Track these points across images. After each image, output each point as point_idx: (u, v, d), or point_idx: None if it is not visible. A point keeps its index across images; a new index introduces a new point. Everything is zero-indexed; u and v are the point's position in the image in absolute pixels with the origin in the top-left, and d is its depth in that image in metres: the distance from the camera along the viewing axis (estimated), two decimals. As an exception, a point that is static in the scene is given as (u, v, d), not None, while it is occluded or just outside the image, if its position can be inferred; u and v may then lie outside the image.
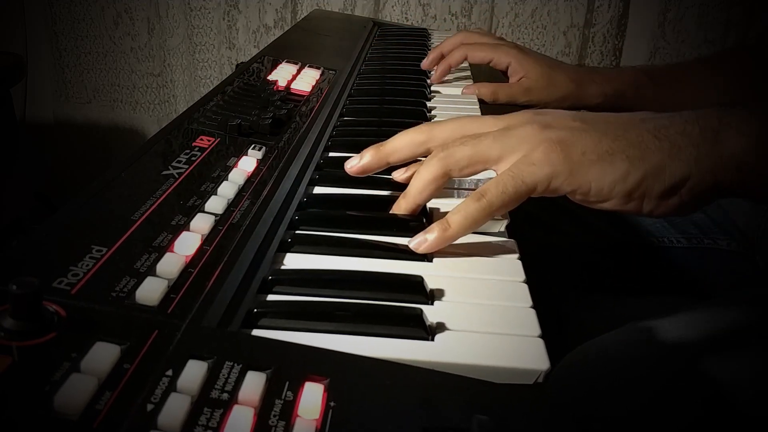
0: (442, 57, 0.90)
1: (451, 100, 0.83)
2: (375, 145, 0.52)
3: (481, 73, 0.98)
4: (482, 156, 0.47)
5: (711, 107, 0.46)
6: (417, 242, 0.45)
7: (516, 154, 0.46)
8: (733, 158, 0.43)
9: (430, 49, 1.05)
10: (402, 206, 0.50)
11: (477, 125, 0.50)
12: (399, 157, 0.51)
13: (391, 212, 0.51)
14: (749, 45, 0.90)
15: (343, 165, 0.56)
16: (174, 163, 0.49)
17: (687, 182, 0.43)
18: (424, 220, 0.49)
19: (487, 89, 0.84)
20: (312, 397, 0.29)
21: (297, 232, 0.48)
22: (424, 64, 0.92)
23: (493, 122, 0.50)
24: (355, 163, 0.52)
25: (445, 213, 0.51)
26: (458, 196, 0.54)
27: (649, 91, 0.83)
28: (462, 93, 0.85)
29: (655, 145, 0.44)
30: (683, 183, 0.43)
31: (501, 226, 0.49)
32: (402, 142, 0.51)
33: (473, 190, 0.48)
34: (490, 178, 0.46)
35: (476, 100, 0.83)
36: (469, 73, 0.95)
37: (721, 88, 0.83)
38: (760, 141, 0.43)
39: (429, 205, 0.52)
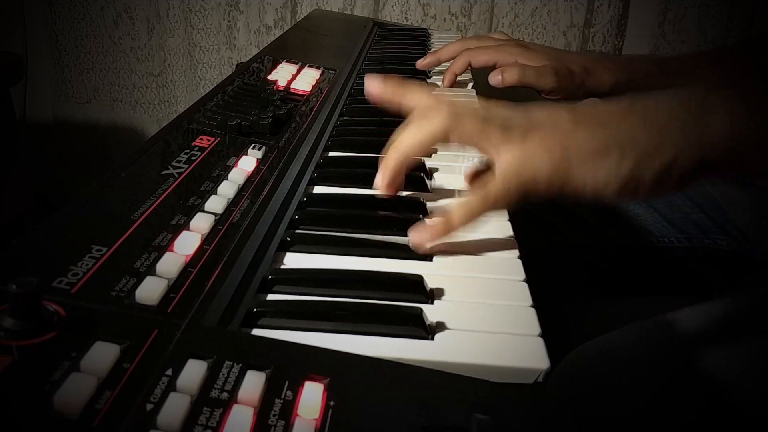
0: (439, 62, 0.89)
1: (451, 97, 0.83)
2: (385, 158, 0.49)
3: (483, 74, 0.97)
4: (485, 137, 0.46)
5: (698, 87, 0.46)
6: (416, 237, 0.45)
7: (515, 149, 0.45)
8: (717, 138, 0.44)
9: (429, 49, 1.05)
10: (390, 159, 0.48)
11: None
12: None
13: (380, 164, 0.48)
14: (751, 40, 0.89)
15: (344, 164, 0.55)
16: (174, 163, 0.49)
17: (675, 165, 0.44)
18: (424, 219, 0.49)
19: (513, 71, 0.78)
20: (312, 396, 0.29)
21: (297, 231, 0.48)
22: (420, 63, 0.91)
23: (488, 107, 0.49)
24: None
25: (442, 209, 0.51)
26: (458, 197, 0.54)
27: (659, 81, 0.80)
28: (489, 80, 0.79)
29: (645, 133, 0.44)
30: (672, 165, 0.44)
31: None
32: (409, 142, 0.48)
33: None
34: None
35: (476, 100, 0.83)
36: (470, 75, 0.94)
37: (722, 83, 0.82)
38: (743, 121, 0.44)
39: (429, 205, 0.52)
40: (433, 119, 0.47)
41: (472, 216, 0.45)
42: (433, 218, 0.45)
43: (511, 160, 0.45)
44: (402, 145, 0.47)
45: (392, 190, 0.49)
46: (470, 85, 0.91)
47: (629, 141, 0.44)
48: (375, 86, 0.53)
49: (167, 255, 0.38)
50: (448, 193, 0.54)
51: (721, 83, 0.47)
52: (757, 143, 0.44)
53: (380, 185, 0.48)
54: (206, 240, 0.41)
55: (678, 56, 0.89)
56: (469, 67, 0.89)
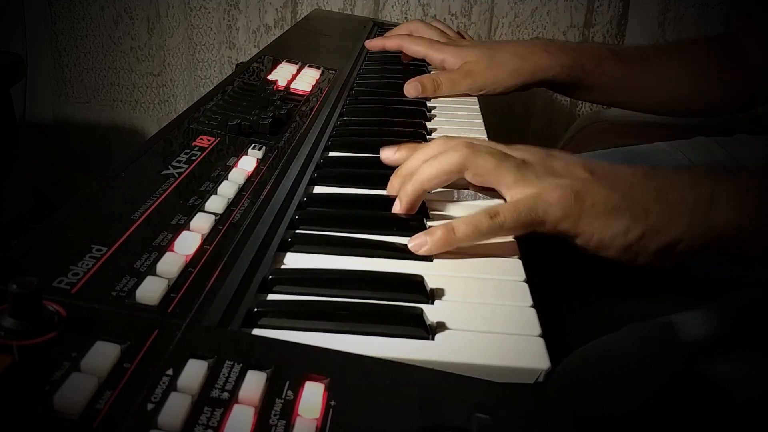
0: (384, 48, 0.89)
1: (452, 100, 0.83)
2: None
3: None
4: (501, 175, 0.47)
5: (706, 172, 0.48)
6: (417, 243, 0.45)
7: (529, 189, 0.47)
8: (722, 227, 0.46)
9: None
10: (408, 190, 0.49)
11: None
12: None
13: (388, 191, 0.51)
14: (701, 39, 0.90)
15: (344, 164, 0.55)
16: (174, 163, 0.49)
17: (679, 244, 0.46)
18: (425, 220, 0.49)
19: (428, 80, 0.80)
20: (312, 396, 0.29)
21: (297, 231, 0.48)
22: (368, 43, 0.91)
23: (506, 149, 0.51)
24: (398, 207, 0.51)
25: (442, 210, 0.52)
26: (457, 198, 0.54)
27: (612, 66, 0.81)
28: (405, 91, 0.80)
29: (656, 208, 0.46)
30: (676, 244, 0.46)
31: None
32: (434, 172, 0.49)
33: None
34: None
35: (476, 101, 0.83)
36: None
37: (684, 77, 0.83)
38: (747, 214, 0.46)
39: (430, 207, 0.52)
40: (451, 153, 0.48)
41: (478, 236, 0.46)
42: (437, 227, 0.45)
43: (525, 196, 0.46)
44: (420, 177, 0.49)
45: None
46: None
47: (641, 211, 0.46)
48: (390, 158, 0.54)
49: (167, 255, 0.38)
50: (448, 194, 0.54)
51: (727, 173, 0.49)
52: (760, 234, 0.47)
53: (399, 213, 0.50)
54: (206, 240, 0.41)
55: (636, 46, 0.89)
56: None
